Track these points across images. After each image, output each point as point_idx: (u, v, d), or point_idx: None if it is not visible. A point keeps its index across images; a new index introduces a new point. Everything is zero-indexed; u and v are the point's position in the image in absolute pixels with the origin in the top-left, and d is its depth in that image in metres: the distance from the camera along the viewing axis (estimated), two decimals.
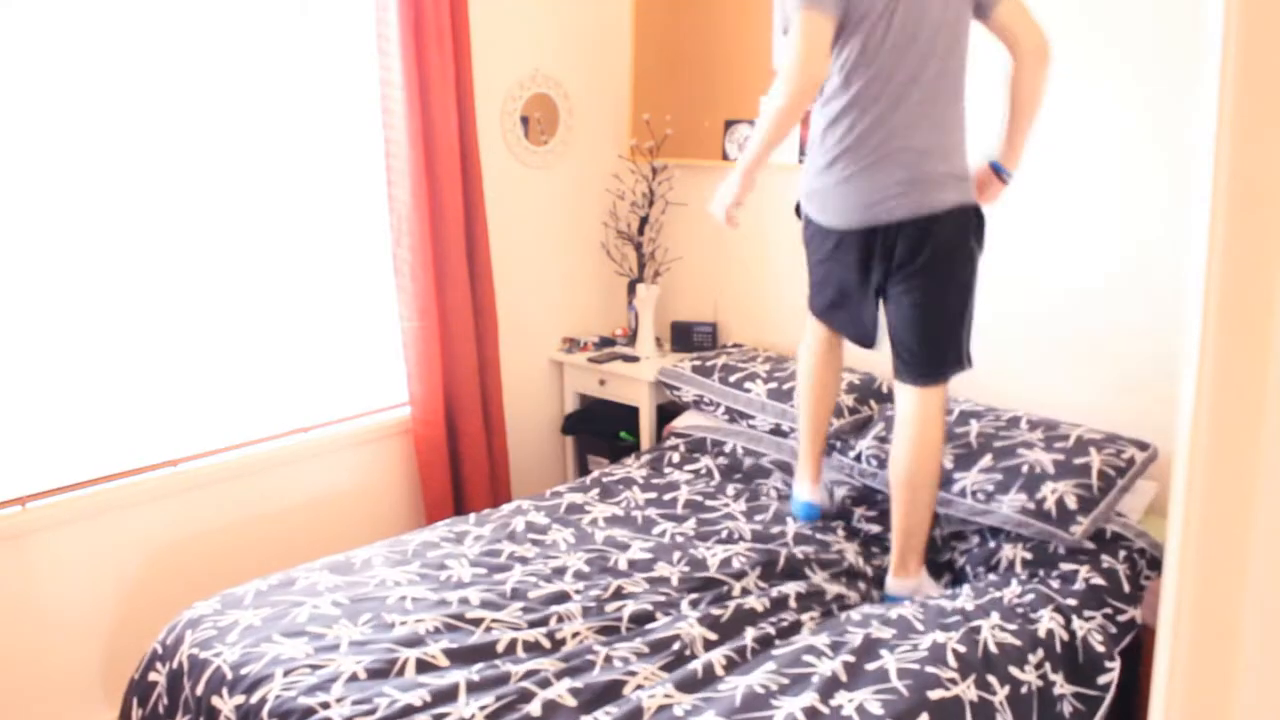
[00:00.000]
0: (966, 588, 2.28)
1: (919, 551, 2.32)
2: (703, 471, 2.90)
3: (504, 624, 2.09)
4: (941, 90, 2.16)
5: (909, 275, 2.21)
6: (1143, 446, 2.49)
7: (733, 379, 3.05)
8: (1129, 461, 2.42)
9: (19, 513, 2.45)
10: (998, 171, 2.33)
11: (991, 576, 2.35)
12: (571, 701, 1.82)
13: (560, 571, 2.31)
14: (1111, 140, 2.60)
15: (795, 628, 2.13)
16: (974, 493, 2.42)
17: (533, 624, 2.10)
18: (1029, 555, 2.34)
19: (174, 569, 2.74)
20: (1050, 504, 2.31)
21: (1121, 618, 2.19)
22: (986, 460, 2.47)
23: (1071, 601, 2.17)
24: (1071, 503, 2.30)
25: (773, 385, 2.96)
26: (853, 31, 2.13)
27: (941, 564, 2.52)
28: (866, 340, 2.39)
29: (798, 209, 2.44)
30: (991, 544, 2.44)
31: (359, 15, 2.95)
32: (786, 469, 2.85)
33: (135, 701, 2.09)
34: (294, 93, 2.86)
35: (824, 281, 2.41)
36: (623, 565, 2.36)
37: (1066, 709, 1.98)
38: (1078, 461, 2.39)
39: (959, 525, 2.52)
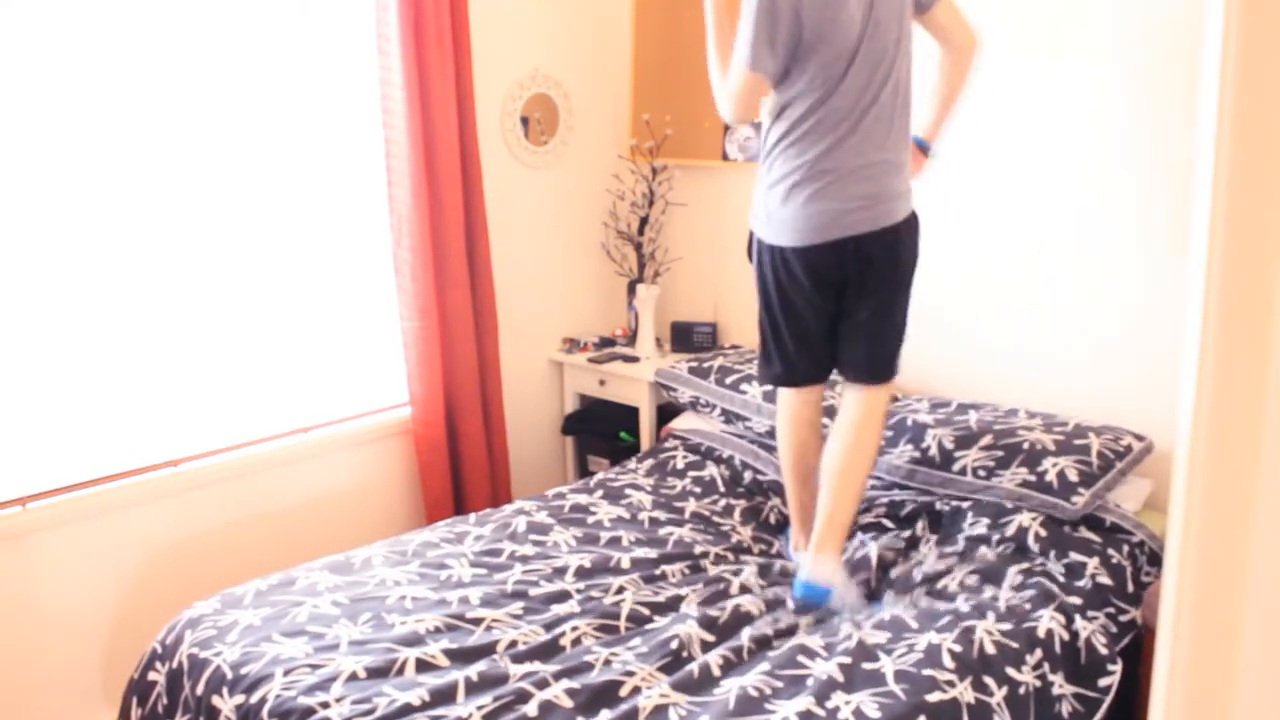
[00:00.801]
0: (957, 579, 2.24)
1: (840, 535, 2.28)
2: (707, 479, 2.88)
3: (504, 624, 2.09)
4: (895, 105, 2.23)
5: (870, 285, 2.26)
6: (1139, 438, 2.52)
7: (729, 381, 3.05)
8: (1126, 448, 2.47)
9: (19, 513, 2.45)
10: (922, 147, 2.44)
11: (989, 553, 2.31)
12: (569, 703, 1.81)
13: (561, 571, 2.31)
14: (1110, 141, 2.61)
15: (792, 629, 2.14)
16: (975, 470, 2.46)
17: (532, 624, 2.10)
18: (1043, 531, 2.32)
19: (174, 569, 2.74)
20: (1051, 476, 2.36)
21: (1123, 618, 2.19)
22: (987, 440, 2.51)
23: (1076, 600, 2.16)
24: (1073, 475, 2.34)
25: (768, 387, 2.95)
26: (819, 64, 2.16)
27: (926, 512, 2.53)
28: (825, 373, 2.42)
29: (749, 251, 2.42)
30: (1009, 504, 2.41)
31: (359, 15, 2.95)
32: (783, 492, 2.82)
33: (135, 701, 2.09)
34: (294, 93, 2.86)
35: (785, 325, 2.37)
36: (625, 564, 2.36)
37: (1065, 709, 1.98)
38: (1078, 442, 2.45)
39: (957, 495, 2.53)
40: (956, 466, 2.49)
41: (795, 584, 2.26)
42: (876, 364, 2.32)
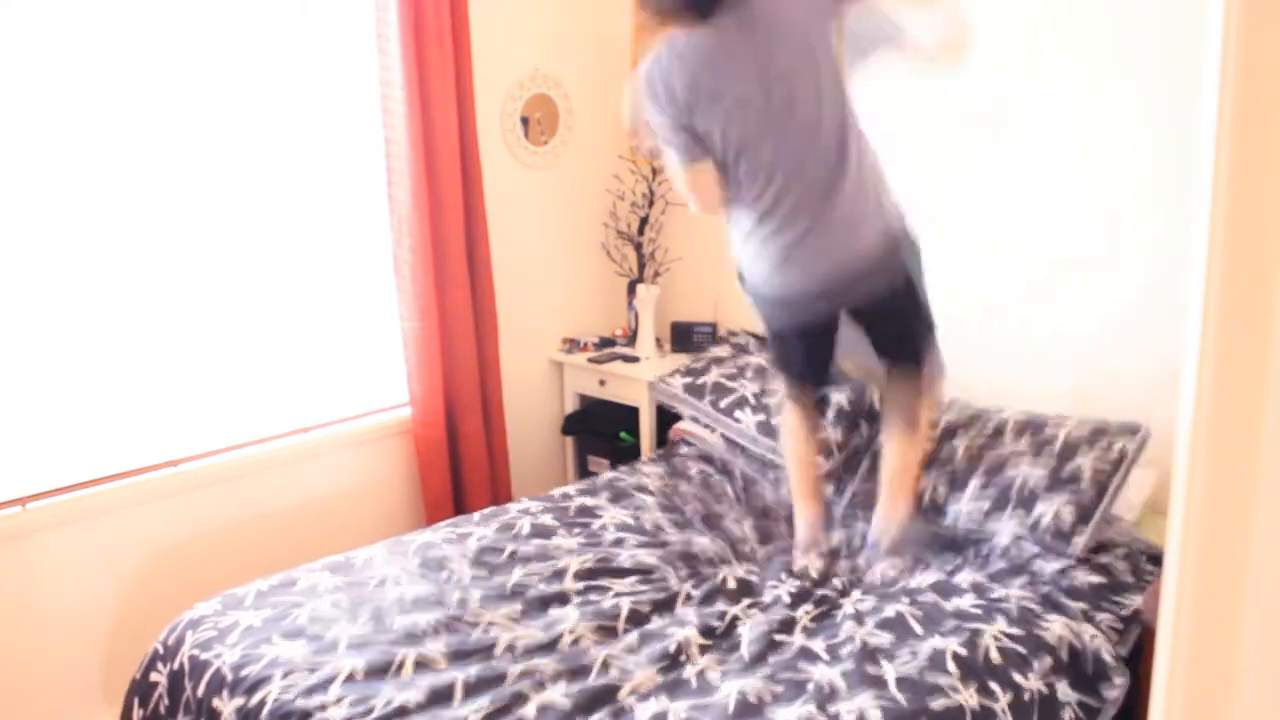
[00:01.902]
0: (966, 578, 2.24)
1: (913, 493, 2.40)
2: (717, 489, 2.86)
3: (502, 625, 2.08)
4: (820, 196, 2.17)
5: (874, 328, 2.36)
6: (1133, 430, 2.44)
7: (723, 405, 2.97)
8: (1121, 454, 2.38)
9: (19, 513, 2.45)
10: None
11: (980, 573, 2.30)
12: (566, 705, 1.82)
13: (560, 574, 2.31)
14: (1114, 142, 2.61)
15: (789, 625, 2.12)
16: (968, 514, 2.42)
17: (530, 626, 2.10)
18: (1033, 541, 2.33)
19: (174, 569, 2.74)
20: (1047, 521, 2.30)
21: (1125, 612, 2.18)
22: (976, 483, 2.45)
23: (1082, 605, 2.15)
24: (1068, 516, 2.29)
25: (760, 417, 2.88)
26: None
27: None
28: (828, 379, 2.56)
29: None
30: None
31: (359, 15, 2.95)
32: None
33: (137, 702, 2.08)
34: (294, 93, 2.86)
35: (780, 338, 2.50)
36: (626, 564, 2.35)
37: (1068, 715, 1.97)
38: (1068, 469, 2.37)
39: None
40: (949, 518, 2.46)
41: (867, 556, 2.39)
42: (907, 357, 2.37)
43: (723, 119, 2.11)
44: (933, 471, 2.53)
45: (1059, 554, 2.29)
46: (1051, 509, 2.31)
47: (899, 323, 2.33)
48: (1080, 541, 2.27)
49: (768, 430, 2.85)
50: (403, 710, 1.77)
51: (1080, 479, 2.34)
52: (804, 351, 2.46)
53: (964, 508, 2.43)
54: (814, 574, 2.35)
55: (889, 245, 2.21)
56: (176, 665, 2.02)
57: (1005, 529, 2.36)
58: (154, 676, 2.06)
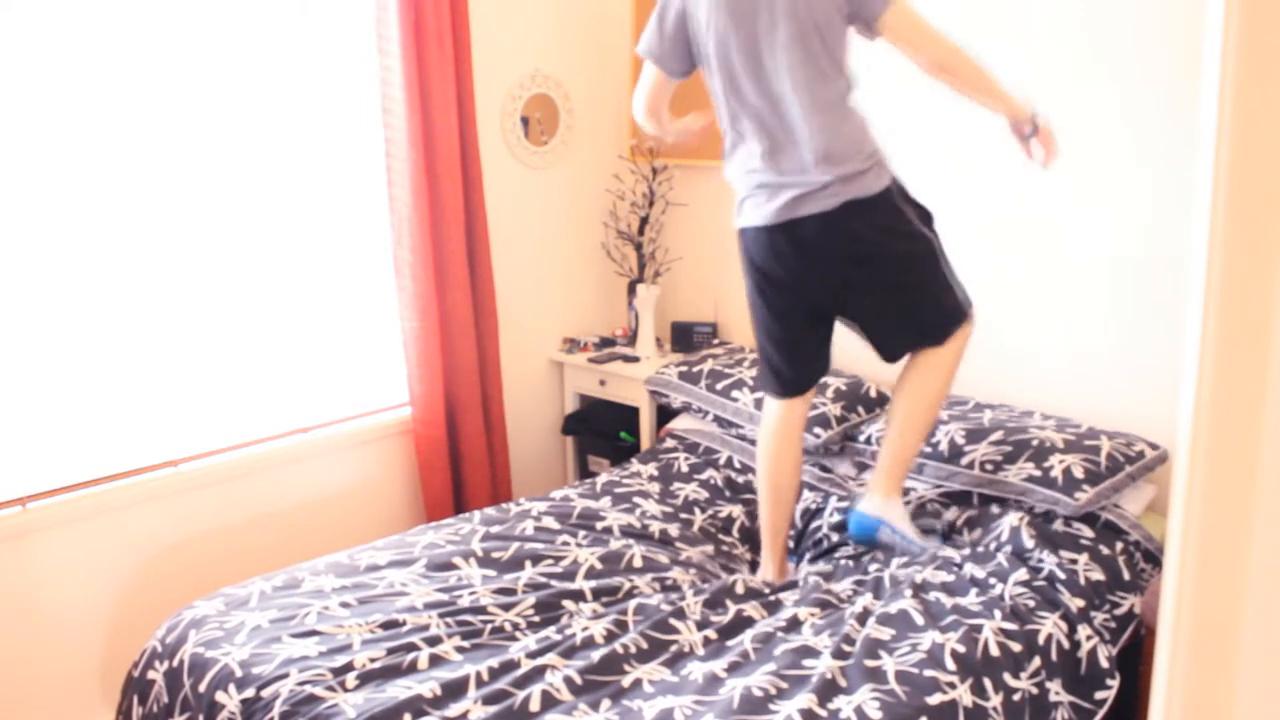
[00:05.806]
0: (969, 573, 2.24)
1: (899, 478, 2.36)
2: (711, 485, 2.88)
3: (513, 620, 2.10)
4: (802, 102, 2.16)
5: (855, 278, 2.25)
6: (1154, 446, 2.52)
7: (719, 387, 3.03)
8: (1139, 454, 2.46)
9: (19, 513, 2.45)
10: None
11: (983, 568, 2.30)
12: (571, 698, 1.83)
13: (570, 571, 2.31)
14: (1126, 140, 2.61)
15: (795, 624, 2.13)
16: (982, 464, 2.47)
17: (539, 620, 2.12)
18: (1032, 530, 2.32)
19: (174, 569, 2.74)
20: (1057, 472, 2.36)
21: (1119, 611, 2.19)
22: (997, 435, 2.52)
23: (1079, 602, 2.15)
24: (1079, 472, 2.35)
25: (760, 395, 2.93)
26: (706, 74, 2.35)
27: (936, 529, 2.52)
28: (821, 371, 2.41)
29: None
30: (994, 509, 2.44)
31: (359, 15, 2.95)
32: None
33: (136, 699, 2.08)
34: (294, 93, 2.86)
35: (776, 325, 2.35)
36: (637, 563, 2.36)
37: (1060, 716, 1.97)
38: (1088, 442, 2.45)
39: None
40: (965, 460, 2.50)
41: (849, 519, 2.38)
42: (915, 337, 2.30)
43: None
44: (954, 423, 2.60)
45: (1063, 504, 2.32)
46: (1064, 463, 2.38)
47: (895, 298, 2.24)
48: (1085, 497, 2.30)
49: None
50: (417, 699, 1.79)
51: (1098, 451, 2.42)
52: (790, 337, 2.33)
53: (979, 455, 2.48)
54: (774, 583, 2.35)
55: (857, 189, 2.16)
56: (175, 663, 2.01)
57: (1015, 472, 2.41)
58: (151, 675, 2.06)
